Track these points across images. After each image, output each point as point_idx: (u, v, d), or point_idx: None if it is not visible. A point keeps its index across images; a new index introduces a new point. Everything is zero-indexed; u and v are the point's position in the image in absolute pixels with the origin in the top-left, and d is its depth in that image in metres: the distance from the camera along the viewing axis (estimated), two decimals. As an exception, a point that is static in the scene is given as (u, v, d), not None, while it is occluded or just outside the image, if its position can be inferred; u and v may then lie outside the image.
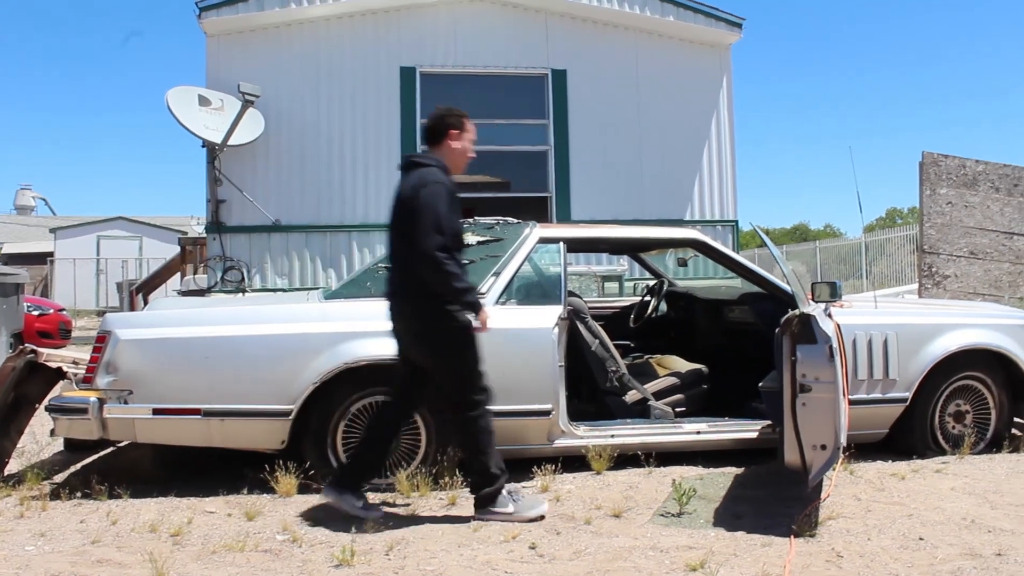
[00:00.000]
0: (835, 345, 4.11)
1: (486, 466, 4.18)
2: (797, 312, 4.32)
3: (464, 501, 4.41)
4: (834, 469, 4.24)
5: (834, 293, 4.95)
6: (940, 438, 5.39)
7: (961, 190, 10.42)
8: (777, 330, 4.45)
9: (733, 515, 4.18)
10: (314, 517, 4.15)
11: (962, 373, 5.40)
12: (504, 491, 4.18)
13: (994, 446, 5.45)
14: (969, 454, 5.29)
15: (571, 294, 5.38)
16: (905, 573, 3.43)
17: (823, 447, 4.07)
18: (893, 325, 5.30)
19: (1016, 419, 5.64)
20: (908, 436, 5.35)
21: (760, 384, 4.88)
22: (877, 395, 5.23)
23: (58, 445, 5.89)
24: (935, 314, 5.62)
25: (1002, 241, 10.47)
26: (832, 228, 44.05)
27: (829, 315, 5.10)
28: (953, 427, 5.42)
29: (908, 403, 5.27)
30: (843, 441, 4.07)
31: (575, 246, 5.49)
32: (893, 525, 3.99)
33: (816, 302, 4.85)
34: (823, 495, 4.26)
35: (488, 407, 4.23)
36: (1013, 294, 10.29)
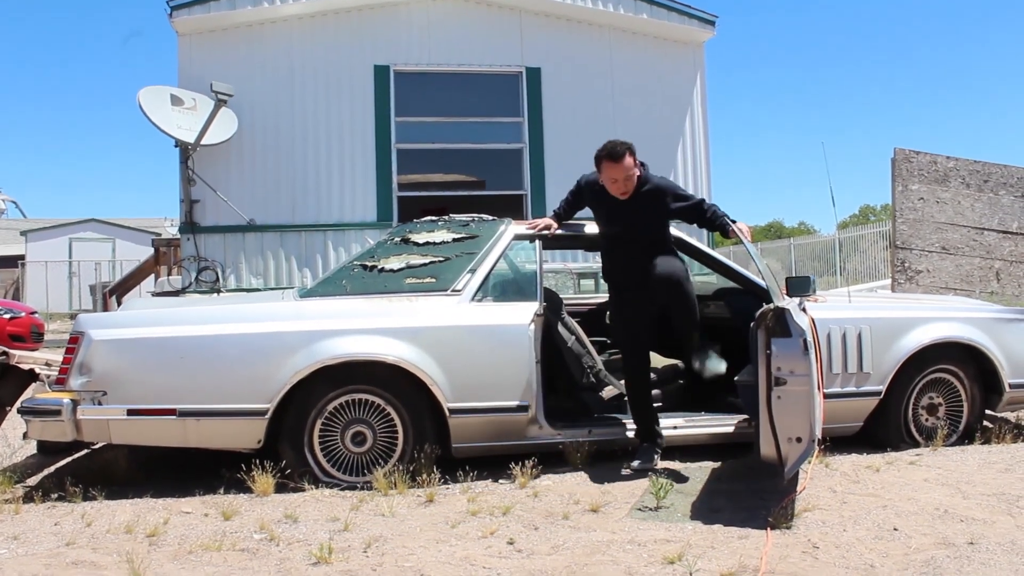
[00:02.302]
0: (810, 339, 4.14)
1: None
2: (772, 306, 4.34)
3: (442, 498, 4.42)
4: (809, 462, 4.27)
5: (808, 288, 4.99)
6: (914, 431, 5.44)
7: (933, 186, 10.52)
8: (752, 324, 4.48)
9: (710, 508, 4.21)
10: (292, 516, 4.13)
11: (935, 366, 5.46)
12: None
13: (966, 438, 5.51)
14: (942, 446, 5.35)
15: (547, 291, 5.38)
16: (880, 563, 3.47)
17: (798, 440, 4.10)
18: (867, 319, 5.35)
19: (987, 411, 5.70)
20: (882, 429, 5.40)
21: (736, 378, 4.90)
22: (851, 389, 5.28)
23: (31, 448, 5.83)
24: (908, 308, 5.68)
25: (973, 236, 10.58)
26: (806, 225, 44.45)
27: (803, 310, 5.14)
28: (926, 420, 5.47)
29: (882, 396, 5.32)
30: (818, 434, 4.10)
31: (551, 243, 5.50)
32: (868, 516, 4.02)
33: (790, 297, 4.89)
34: (799, 488, 4.29)
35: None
36: (984, 288, 10.41)
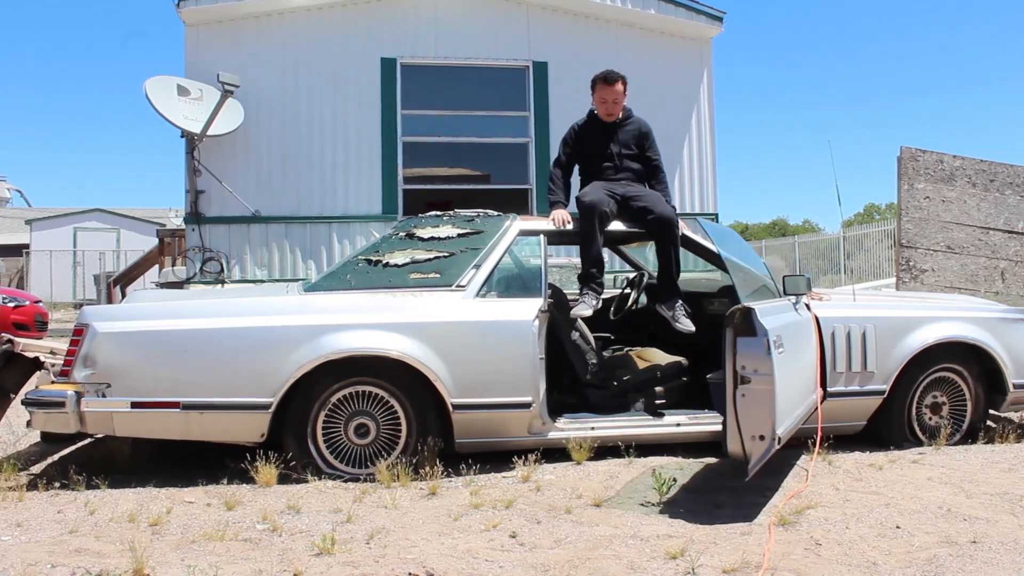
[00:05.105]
0: (772, 338, 4.11)
1: None
2: (739, 306, 4.30)
3: (444, 491, 4.42)
4: (812, 462, 4.23)
5: (803, 287, 5.01)
6: (917, 429, 5.44)
7: (938, 185, 10.49)
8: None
9: (713, 504, 4.21)
10: (294, 507, 4.14)
11: (939, 365, 5.45)
12: None
13: (970, 437, 5.51)
14: (945, 445, 5.35)
15: (551, 287, 5.38)
16: (882, 560, 3.47)
17: (761, 437, 4.08)
18: (871, 318, 5.34)
19: (991, 411, 5.70)
20: (886, 427, 5.40)
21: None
22: (855, 388, 5.27)
23: (35, 436, 5.85)
24: (912, 307, 5.66)
25: (978, 236, 10.56)
26: (811, 223, 44.32)
27: (807, 307, 5.14)
28: (930, 419, 5.47)
29: (886, 395, 5.31)
30: (780, 432, 4.08)
31: (555, 239, 5.50)
32: (871, 514, 4.02)
33: (787, 294, 4.91)
34: (802, 485, 4.29)
35: None
36: (989, 288, 10.39)
